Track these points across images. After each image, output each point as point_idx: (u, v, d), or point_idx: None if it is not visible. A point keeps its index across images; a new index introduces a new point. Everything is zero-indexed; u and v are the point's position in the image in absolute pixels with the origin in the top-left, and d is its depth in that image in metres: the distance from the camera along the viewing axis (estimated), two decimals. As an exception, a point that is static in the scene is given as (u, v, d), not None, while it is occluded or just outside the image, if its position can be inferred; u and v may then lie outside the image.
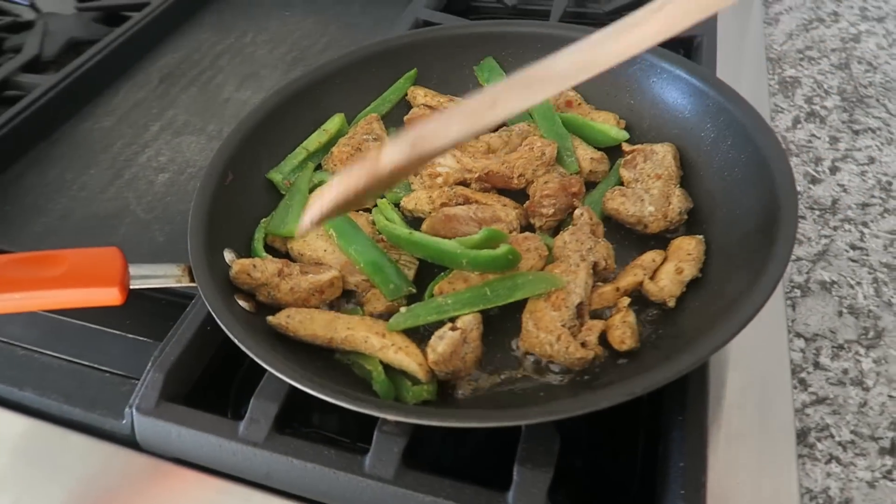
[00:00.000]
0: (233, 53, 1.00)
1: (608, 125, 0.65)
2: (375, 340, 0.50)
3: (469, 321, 0.50)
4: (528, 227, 0.61)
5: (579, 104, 0.68)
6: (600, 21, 0.95)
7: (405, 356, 0.49)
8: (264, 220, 0.61)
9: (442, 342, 0.49)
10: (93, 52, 0.95)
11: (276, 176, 0.63)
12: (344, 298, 0.58)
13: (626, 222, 0.59)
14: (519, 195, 0.62)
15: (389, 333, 0.51)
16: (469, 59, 0.72)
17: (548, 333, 0.50)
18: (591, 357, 0.49)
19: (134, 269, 0.50)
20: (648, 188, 0.59)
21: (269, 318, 0.53)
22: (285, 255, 0.60)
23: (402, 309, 0.53)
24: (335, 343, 0.52)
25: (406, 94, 0.71)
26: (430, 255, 0.56)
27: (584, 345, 0.50)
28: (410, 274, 0.56)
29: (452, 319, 0.51)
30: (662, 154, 0.61)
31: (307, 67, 0.70)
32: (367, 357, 0.51)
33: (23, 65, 0.98)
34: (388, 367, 0.51)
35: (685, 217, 0.58)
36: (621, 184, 0.62)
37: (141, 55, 1.00)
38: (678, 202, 0.58)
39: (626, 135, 0.65)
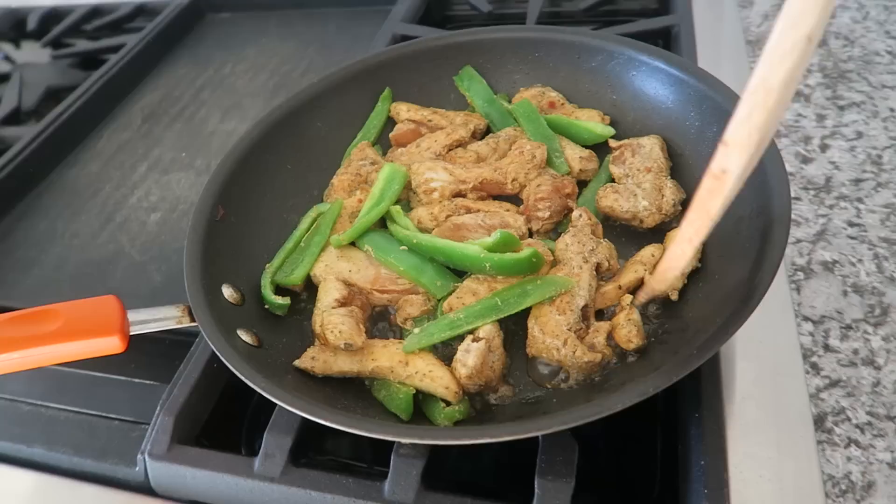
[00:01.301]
0: (213, 86, 0.99)
1: (593, 122, 0.65)
2: (400, 370, 0.50)
3: (489, 330, 0.49)
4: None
5: (562, 104, 0.67)
6: (577, 20, 0.95)
7: (430, 382, 0.49)
8: (269, 265, 0.59)
9: (470, 355, 0.48)
10: (72, 99, 0.95)
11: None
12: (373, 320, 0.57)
13: (622, 219, 0.58)
14: (513, 201, 0.62)
15: (412, 360, 0.50)
16: (448, 70, 0.72)
17: (554, 338, 0.49)
18: (599, 360, 0.49)
19: (133, 315, 0.49)
20: (640, 182, 0.58)
21: (296, 361, 0.52)
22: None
23: (416, 329, 0.52)
24: (363, 375, 0.51)
25: (389, 114, 0.71)
26: (453, 259, 0.54)
27: (592, 347, 0.49)
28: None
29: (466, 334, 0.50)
30: (650, 147, 0.60)
31: (290, 92, 0.69)
32: (394, 384, 0.50)
33: (2, 118, 0.98)
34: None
35: (680, 208, 0.58)
36: (612, 180, 0.61)
37: (121, 97, 1.00)
38: (671, 194, 0.57)
39: (612, 130, 0.64)
